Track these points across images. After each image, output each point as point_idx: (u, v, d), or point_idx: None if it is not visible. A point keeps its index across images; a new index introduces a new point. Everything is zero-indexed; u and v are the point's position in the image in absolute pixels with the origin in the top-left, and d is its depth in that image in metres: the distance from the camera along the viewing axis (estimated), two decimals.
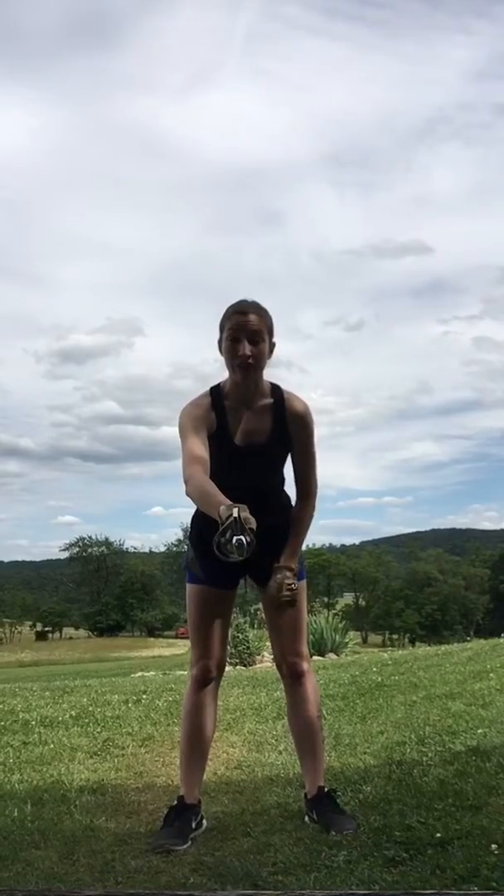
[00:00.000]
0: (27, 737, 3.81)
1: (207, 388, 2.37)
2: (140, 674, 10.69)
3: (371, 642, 69.29)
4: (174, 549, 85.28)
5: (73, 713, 4.40)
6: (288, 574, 2.34)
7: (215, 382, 2.39)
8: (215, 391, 2.35)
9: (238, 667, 9.61)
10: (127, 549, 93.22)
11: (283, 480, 2.44)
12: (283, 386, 2.39)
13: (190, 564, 2.42)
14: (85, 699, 5.05)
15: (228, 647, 2.69)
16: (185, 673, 8.15)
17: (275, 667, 2.65)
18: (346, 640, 12.29)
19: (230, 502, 1.90)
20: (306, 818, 2.31)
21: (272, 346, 2.34)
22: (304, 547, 2.46)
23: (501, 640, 9.70)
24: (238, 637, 10.22)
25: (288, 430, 2.35)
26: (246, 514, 1.84)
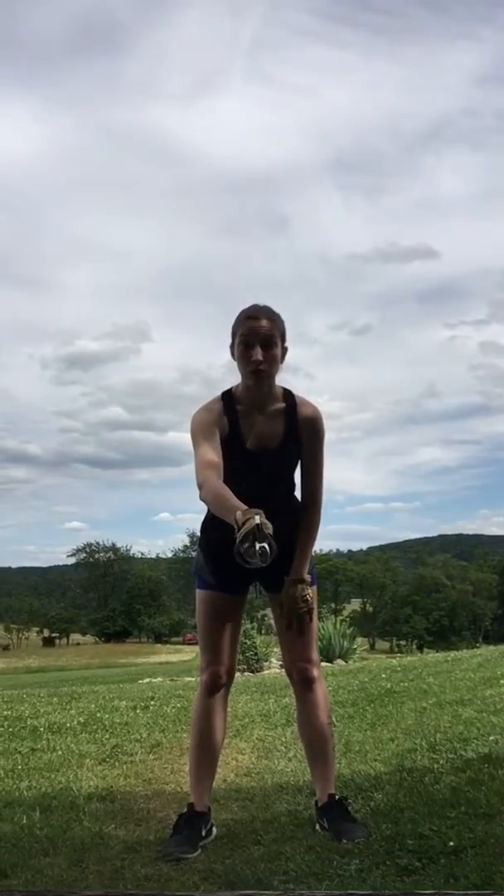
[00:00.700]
0: (35, 743, 3.79)
1: (219, 393, 2.36)
2: (148, 680, 10.68)
3: (378, 648, 69.14)
4: (181, 554, 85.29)
5: (81, 719, 4.39)
6: (302, 586, 2.33)
7: (223, 387, 2.38)
8: (227, 396, 2.34)
9: (246, 673, 9.58)
10: (134, 554, 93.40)
11: (293, 486, 2.43)
12: (294, 391, 2.39)
13: (200, 570, 2.41)
14: (93, 705, 5.03)
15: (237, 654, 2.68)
16: (193, 679, 8.15)
17: (284, 673, 2.63)
18: (355, 647, 12.24)
19: (246, 507, 1.89)
20: (317, 826, 2.28)
21: (285, 350, 2.33)
22: (312, 553, 2.45)
23: None
24: (246, 643, 10.19)
25: (300, 435, 2.34)
26: (263, 519, 1.84)
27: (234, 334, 2.31)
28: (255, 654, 10.42)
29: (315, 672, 2.42)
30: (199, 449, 2.21)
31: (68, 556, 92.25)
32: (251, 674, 9.55)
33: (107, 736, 3.92)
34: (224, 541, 1.93)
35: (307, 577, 2.36)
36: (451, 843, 1.99)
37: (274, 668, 10.01)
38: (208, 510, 2.24)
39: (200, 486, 2.10)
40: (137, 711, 4.68)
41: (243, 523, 1.83)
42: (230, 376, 2.38)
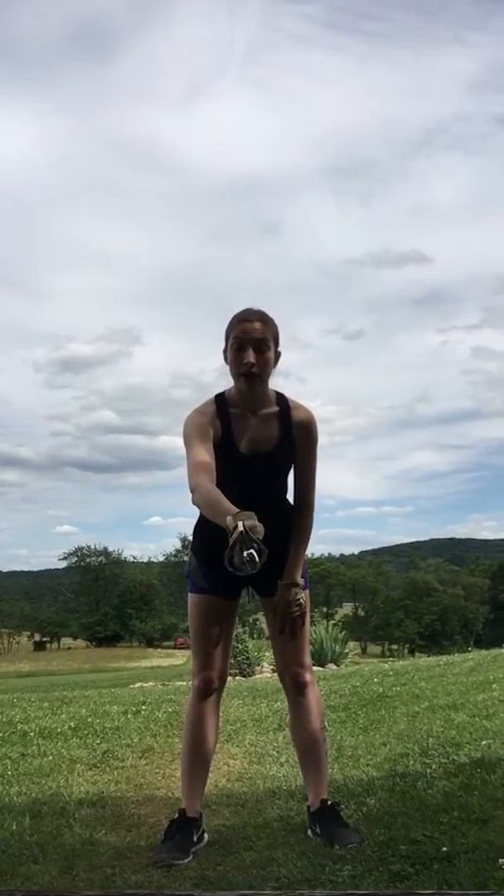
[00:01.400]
0: (25, 748, 3.77)
1: (212, 396, 2.36)
2: (139, 684, 10.64)
3: (370, 653, 69.13)
4: (173, 558, 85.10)
5: (71, 724, 4.36)
6: (295, 590, 2.32)
7: (214, 391, 2.38)
8: (220, 399, 2.34)
9: (238, 677, 9.56)
10: (125, 558, 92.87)
11: (286, 489, 2.42)
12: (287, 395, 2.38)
13: (192, 573, 2.40)
14: (84, 710, 5.00)
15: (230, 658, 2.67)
16: (185, 683, 8.11)
17: (276, 677, 2.62)
18: (347, 651, 12.24)
19: (237, 510, 1.87)
20: (309, 832, 2.27)
21: (278, 354, 2.33)
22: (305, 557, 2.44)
23: (503, 651, 9.65)
24: (238, 647, 10.17)
25: (293, 439, 2.33)
26: (253, 521, 1.81)
27: (226, 337, 2.30)
28: (247, 658, 10.40)
29: (308, 676, 2.41)
30: (191, 452, 2.20)
31: (60, 559, 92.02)
32: (243, 678, 9.53)
33: (98, 741, 3.89)
34: (216, 544, 1.92)
35: (300, 580, 2.35)
36: (445, 849, 1.98)
37: (266, 672, 9.99)
38: (200, 514, 2.23)
39: (193, 490, 2.09)
40: (129, 716, 4.65)
41: (232, 530, 1.81)
42: (222, 380, 2.38)
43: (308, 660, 2.44)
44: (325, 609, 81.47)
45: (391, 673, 6.62)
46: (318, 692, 2.47)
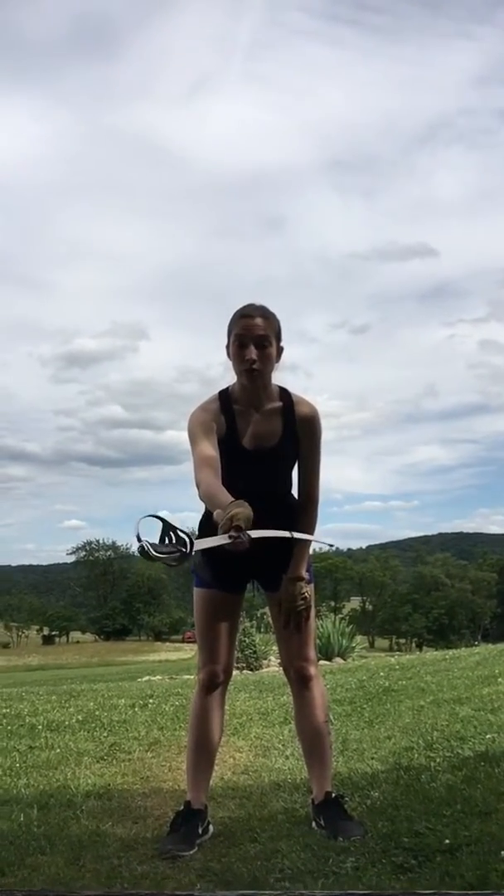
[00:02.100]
0: (34, 741, 3.80)
1: (216, 392, 2.37)
2: (147, 678, 10.68)
3: (378, 647, 69.11)
4: None
5: (79, 717, 4.39)
6: (300, 584, 2.33)
7: (220, 386, 2.39)
8: (224, 395, 2.35)
9: (244, 671, 9.59)
10: (133, 553, 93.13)
11: (290, 484, 2.44)
12: (291, 389, 2.39)
13: (197, 568, 2.41)
14: (91, 703, 5.04)
15: (236, 652, 2.69)
16: (192, 677, 8.14)
17: (282, 671, 2.63)
18: (354, 645, 12.25)
19: (232, 500, 1.91)
20: (313, 824, 2.29)
21: (280, 350, 2.34)
22: (310, 551, 2.45)
23: None
24: (244, 641, 10.20)
25: (297, 433, 2.34)
26: (241, 510, 1.85)
27: (229, 333, 2.31)
28: (254, 652, 10.43)
29: (312, 670, 2.42)
30: (196, 447, 2.22)
31: (68, 554, 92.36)
32: (250, 672, 9.56)
33: (105, 734, 3.92)
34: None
35: (305, 575, 2.36)
36: (447, 841, 1.99)
37: (272, 666, 10.02)
38: (206, 508, 2.25)
39: (198, 485, 2.11)
40: (136, 709, 4.68)
41: (218, 522, 1.88)
42: (228, 375, 2.38)
43: (313, 654, 2.46)
44: (332, 603, 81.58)
45: (397, 667, 6.63)
46: (322, 686, 2.48)
